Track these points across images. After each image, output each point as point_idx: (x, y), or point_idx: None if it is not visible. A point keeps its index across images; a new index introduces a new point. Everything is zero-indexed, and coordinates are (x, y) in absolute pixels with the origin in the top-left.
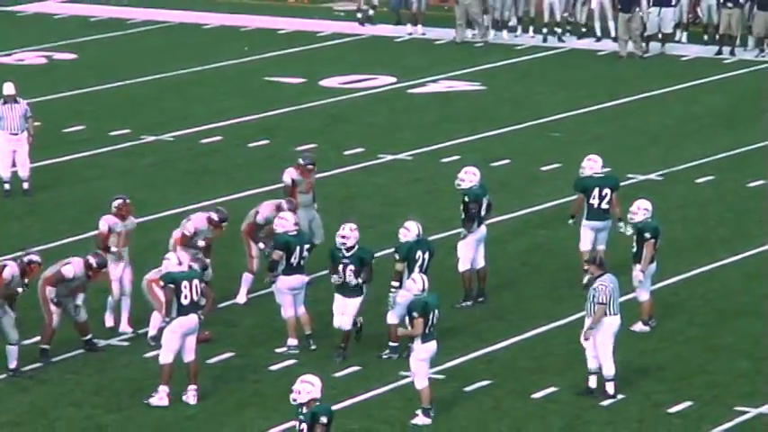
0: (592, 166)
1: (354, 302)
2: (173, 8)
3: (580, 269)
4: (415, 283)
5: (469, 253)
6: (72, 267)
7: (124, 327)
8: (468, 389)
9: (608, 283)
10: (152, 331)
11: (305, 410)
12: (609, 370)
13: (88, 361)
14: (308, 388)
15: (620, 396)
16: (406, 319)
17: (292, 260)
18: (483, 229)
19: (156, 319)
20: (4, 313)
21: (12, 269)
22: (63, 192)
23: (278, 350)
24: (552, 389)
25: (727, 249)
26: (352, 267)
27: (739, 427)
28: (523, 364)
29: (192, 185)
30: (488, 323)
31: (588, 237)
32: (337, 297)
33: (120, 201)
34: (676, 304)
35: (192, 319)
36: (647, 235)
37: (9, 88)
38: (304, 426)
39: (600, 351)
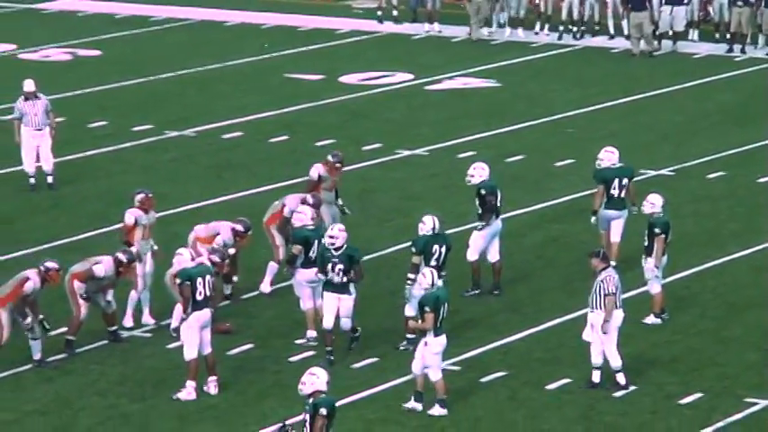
0: (610, 157)
1: (347, 301)
2: (195, 6)
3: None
4: (425, 278)
5: (481, 244)
6: (103, 267)
7: (146, 318)
8: (484, 380)
9: (614, 275)
10: (174, 323)
11: (310, 401)
12: (615, 362)
13: (112, 352)
14: (312, 379)
15: (632, 387)
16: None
17: (311, 254)
18: (499, 222)
19: (178, 311)
20: (23, 320)
21: (33, 282)
22: (87, 186)
23: (297, 341)
24: (566, 380)
25: (737, 243)
26: (340, 267)
27: (749, 418)
28: (538, 356)
29: (213, 180)
30: (504, 315)
31: (604, 225)
32: (327, 295)
33: (142, 195)
34: (688, 297)
35: (207, 314)
36: (657, 230)
37: (29, 85)
38: (308, 416)
39: (605, 344)
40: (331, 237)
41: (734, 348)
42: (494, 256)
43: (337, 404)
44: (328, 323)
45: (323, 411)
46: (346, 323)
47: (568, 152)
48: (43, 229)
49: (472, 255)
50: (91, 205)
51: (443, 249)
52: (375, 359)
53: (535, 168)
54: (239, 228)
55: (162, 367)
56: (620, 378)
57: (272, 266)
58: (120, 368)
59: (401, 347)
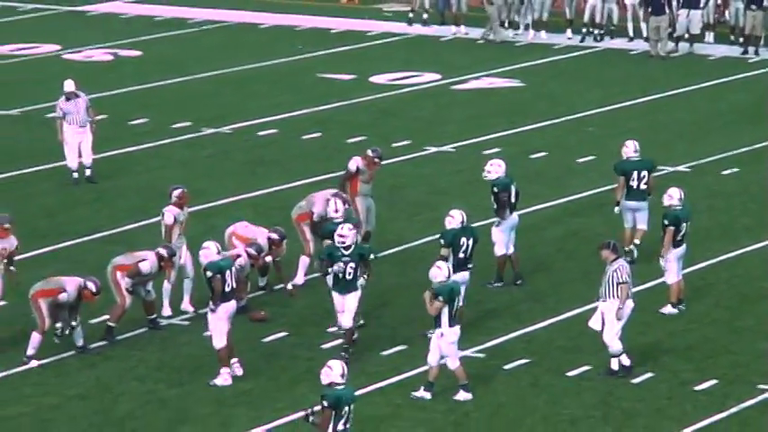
0: (626, 151)
1: (352, 298)
2: (231, 8)
3: (623, 245)
4: (441, 270)
5: (503, 238)
6: (148, 263)
7: (186, 306)
8: (507, 367)
9: (625, 264)
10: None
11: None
12: (615, 347)
13: (151, 339)
14: (327, 371)
15: (649, 374)
16: (426, 294)
17: None
18: (515, 216)
19: None
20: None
21: (68, 294)
22: (128, 180)
23: (329, 329)
24: (586, 367)
25: (750, 237)
26: (352, 264)
27: (761, 404)
28: (559, 344)
29: (248, 175)
30: (527, 305)
31: (629, 216)
32: (336, 296)
33: (179, 190)
34: (703, 288)
35: (233, 304)
36: (666, 222)
37: (70, 85)
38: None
39: (606, 329)
40: (341, 236)
41: (747, 337)
42: (510, 248)
43: (359, 392)
44: (347, 322)
45: (324, 403)
46: (347, 320)
47: (589, 149)
48: (85, 221)
49: (500, 250)
50: (131, 199)
51: (471, 242)
52: (404, 346)
53: (557, 165)
54: (275, 236)
55: (199, 354)
56: (625, 360)
57: (304, 260)
58: (158, 354)
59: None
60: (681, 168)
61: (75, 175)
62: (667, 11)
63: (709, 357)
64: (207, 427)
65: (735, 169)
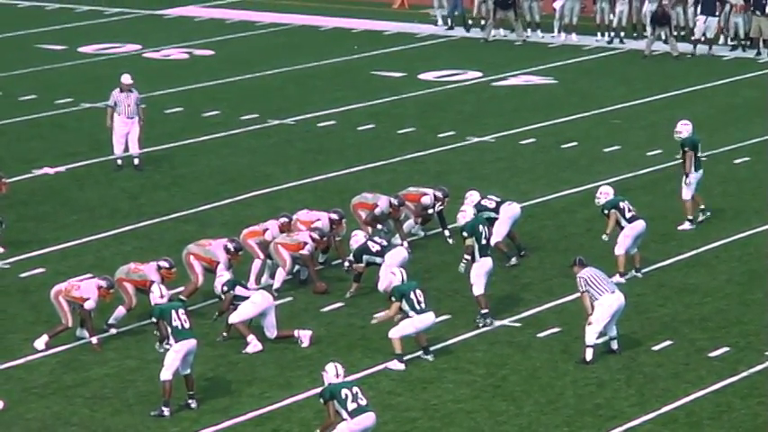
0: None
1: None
2: (294, 13)
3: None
4: (396, 276)
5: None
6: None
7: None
8: (540, 335)
9: (585, 275)
10: (277, 284)
11: None
12: (587, 338)
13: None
14: (324, 375)
15: (668, 342)
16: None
17: None
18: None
19: (280, 274)
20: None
21: (93, 300)
22: (201, 166)
23: (479, 323)
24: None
25: (759, 219)
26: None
27: None
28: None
29: (309, 162)
30: (558, 280)
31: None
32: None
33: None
34: (717, 265)
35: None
36: (605, 211)
37: (127, 79)
38: None
39: (588, 325)
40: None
41: (756, 309)
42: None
43: (408, 357)
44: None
45: (321, 400)
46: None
47: (614, 140)
48: (163, 203)
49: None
50: (204, 183)
51: (487, 229)
52: (447, 316)
53: (586, 153)
54: (335, 216)
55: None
56: (589, 354)
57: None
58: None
59: (479, 322)
60: None
61: (120, 162)
62: (667, 22)
63: (722, 327)
64: (271, 387)
65: (746, 158)
